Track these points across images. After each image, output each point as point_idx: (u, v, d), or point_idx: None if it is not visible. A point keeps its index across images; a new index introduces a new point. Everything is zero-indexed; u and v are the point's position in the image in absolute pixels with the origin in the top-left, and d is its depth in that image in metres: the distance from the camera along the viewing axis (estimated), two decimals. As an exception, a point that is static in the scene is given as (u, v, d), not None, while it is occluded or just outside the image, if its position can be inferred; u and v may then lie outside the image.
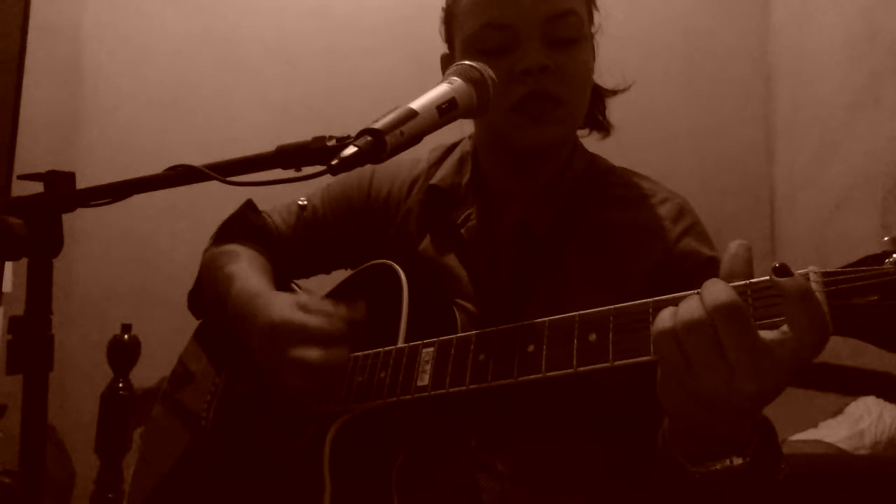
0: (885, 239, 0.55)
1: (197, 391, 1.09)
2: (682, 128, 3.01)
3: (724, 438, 0.64)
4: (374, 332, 0.88)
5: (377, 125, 0.70)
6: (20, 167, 2.45)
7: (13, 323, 0.73)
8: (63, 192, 0.75)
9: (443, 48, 1.06)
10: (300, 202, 1.11)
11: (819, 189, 2.80)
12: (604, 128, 1.08)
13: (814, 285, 0.57)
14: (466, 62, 0.80)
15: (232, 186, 0.74)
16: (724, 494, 0.65)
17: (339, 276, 1.09)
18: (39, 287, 0.74)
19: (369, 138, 0.69)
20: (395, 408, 0.82)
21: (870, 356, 2.52)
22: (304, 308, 0.82)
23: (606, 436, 0.84)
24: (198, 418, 1.06)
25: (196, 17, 2.79)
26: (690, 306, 0.59)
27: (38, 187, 0.76)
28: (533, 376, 0.71)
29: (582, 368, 0.67)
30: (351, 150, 0.68)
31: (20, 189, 0.81)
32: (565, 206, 0.96)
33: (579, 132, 1.07)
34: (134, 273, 2.68)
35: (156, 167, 0.78)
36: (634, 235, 0.93)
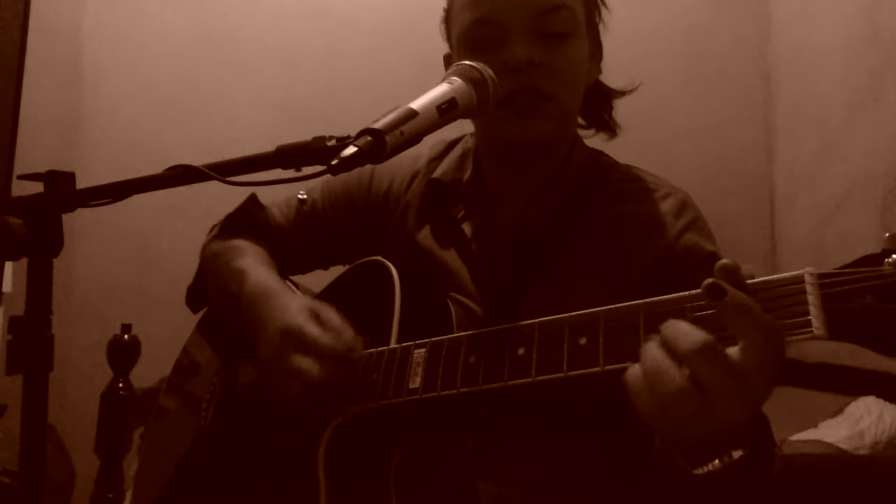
0: (887, 235, 0.54)
1: (202, 383, 1.09)
2: (682, 128, 3.01)
3: (720, 442, 0.64)
4: (367, 331, 0.88)
5: (377, 125, 0.70)
6: (20, 167, 2.45)
7: (13, 323, 0.73)
8: (63, 192, 0.75)
9: (443, 48, 1.06)
10: (300, 196, 1.11)
11: (819, 189, 2.80)
12: (610, 128, 1.07)
13: (809, 287, 0.56)
14: (466, 62, 0.80)
15: (232, 186, 0.74)
16: (725, 487, 0.65)
17: (336, 271, 1.08)
18: (39, 287, 0.74)
19: (369, 138, 0.69)
20: (389, 409, 0.82)
21: (870, 356, 2.51)
22: (318, 319, 0.82)
23: (603, 437, 0.84)
24: (199, 414, 1.06)
25: (196, 16, 2.79)
26: (656, 360, 0.59)
27: (38, 187, 0.76)
28: (523, 380, 0.70)
29: (572, 373, 0.66)
30: (351, 150, 0.68)
31: (20, 189, 0.81)
32: (565, 203, 0.96)
33: (584, 132, 1.07)
34: (134, 273, 2.68)
35: (156, 167, 0.78)
36: (635, 230, 0.93)
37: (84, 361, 2.44)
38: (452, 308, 0.88)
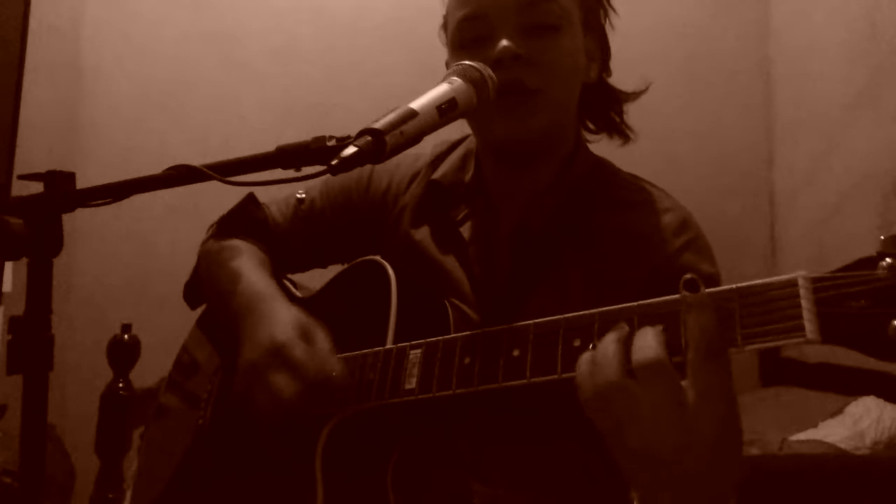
0: (882, 238, 0.53)
1: (202, 381, 1.09)
2: (682, 128, 3.01)
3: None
4: (364, 331, 0.88)
5: (377, 125, 0.69)
6: (20, 167, 2.45)
7: (13, 323, 0.73)
8: (63, 192, 0.75)
9: (443, 48, 1.06)
10: (298, 195, 1.10)
11: (819, 189, 2.80)
12: (621, 131, 1.04)
13: (802, 291, 0.55)
14: (466, 62, 0.80)
15: (232, 186, 0.73)
16: None
17: (335, 269, 1.08)
18: (39, 287, 0.74)
19: (369, 138, 0.69)
20: (386, 409, 0.82)
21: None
22: (306, 338, 0.83)
23: (597, 440, 0.84)
24: (198, 413, 1.06)
25: (196, 16, 2.79)
26: (607, 349, 0.60)
27: (38, 187, 0.76)
28: (517, 382, 0.70)
29: (566, 375, 0.66)
30: (351, 150, 0.68)
31: (20, 189, 0.81)
32: (565, 209, 0.95)
33: (593, 136, 1.05)
34: (134, 273, 2.68)
35: (156, 167, 0.78)
36: (634, 241, 0.91)
37: (84, 361, 2.44)
38: (450, 311, 0.88)
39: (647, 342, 0.58)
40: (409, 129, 0.71)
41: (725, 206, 2.99)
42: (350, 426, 0.85)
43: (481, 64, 0.80)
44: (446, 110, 0.74)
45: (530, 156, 0.95)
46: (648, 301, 0.64)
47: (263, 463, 0.92)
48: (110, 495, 1.58)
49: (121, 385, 1.62)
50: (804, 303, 0.55)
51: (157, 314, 2.56)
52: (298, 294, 1.09)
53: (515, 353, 0.71)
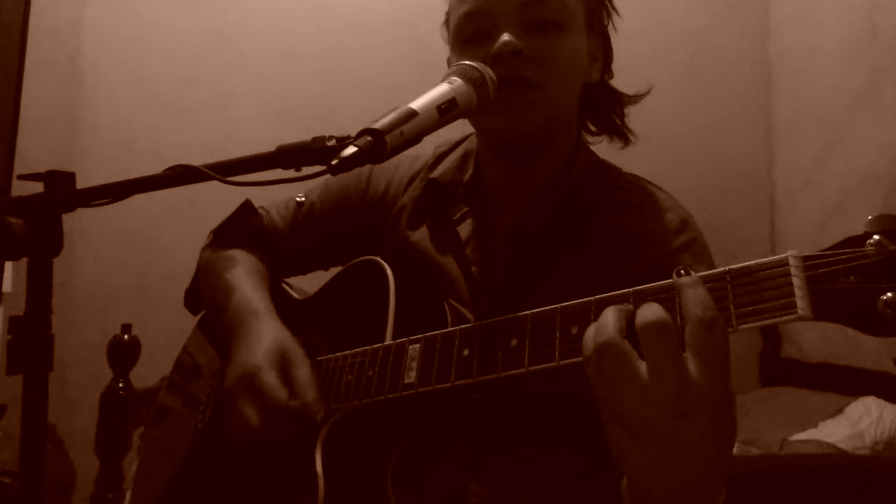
0: (869, 218, 0.55)
1: (202, 383, 1.09)
2: (682, 128, 3.01)
3: (673, 497, 0.63)
4: (363, 330, 0.88)
5: (377, 125, 0.69)
6: (20, 167, 2.46)
7: (13, 323, 0.73)
8: (63, 192, 0.75)
9: (443, 48, 1.06)
10: (298, 199, 1.11)
11: (819, 189, 2.80)
12: (622, 134, 1.04)
13: (793, 270, 0.56)
14: (466, 62, 0.80)
15: (232, 186, 0.73)
16: None
17: (335, 272, 1.08)
18: (39, 287, 0.74)
19: (369, 138, 0.69)
20: (385, 405, 0.82)
21: (870, 356, 2.52)
22: (283, 366, 0.84)
23: (595, 444, 0.84)
24: (198, 415, 1.06)
25: (196, 16, 2.79)
26: (607, 314, 0.61)
27: (38, 187, 0.76)
28: (516, 371, 0.70)
29: (564, 361, 0.66)
30: (351, 150, 0.68)
31: (20, 189, 0.81)
32: (563, 209, 0.94)
33: (593, 138, 1.05)
34: (134, 273, 2.68)
35: (156, 167, 0.78)
36: (633, 240, 0.91)
37: (84, 361, 2.44)
38: (448, 310, 0.88)
39: (652, 308, 0.59)
40: (409, 129, 0.71)
41: (725, 206, 3.00)
42: (350, 423, 0.85)
43: (481, 64, 0.80)
44: (446, 110, 0.74)
45: (529, 151, 0.95)
46: (643, 286, 0.64)
47: (263, 461, 0.92)
48: (110, 495, 1.58)
49: (121, 385, 1.62)
50: (795, 281, 0.56)
51: (157, 314, 2.56)
52: (296, 297, 1.09)
53: (513, 342, 0.71)
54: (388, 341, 0.84)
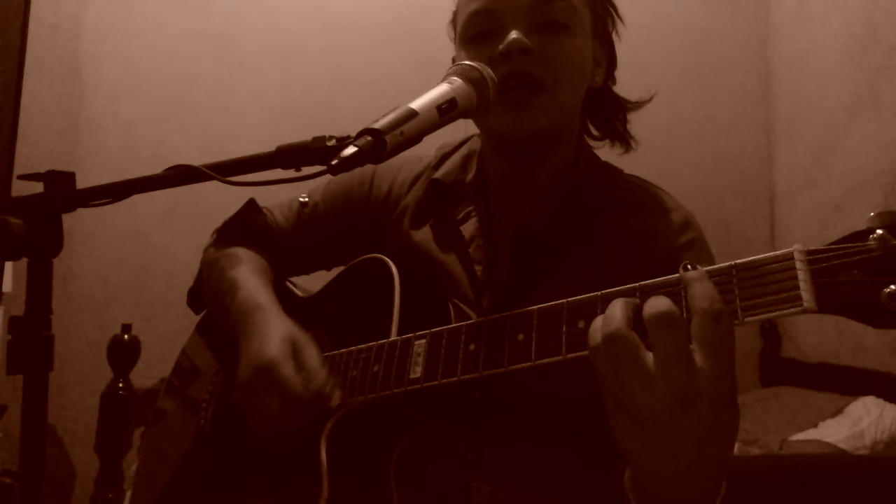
0: (871, 214, 0.56)
1: (202, 384, 1.10)
2: (682, 128, 3.01)
3: (675, 487, 0.63)
4: (368, 327, 0.88)
5: (377, 125, 0.69)
6: (20, 167, 2.46)
7: (13, 323, 0.73)
8: (63, 192, 0.75)
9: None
10: (301, 199, 1.11)
11: (819, 189, 2.80)
12: (624, 139, 1.05)
13: (798, 263, 0.57)
14: (466, 62, 0.80)
15: (232, 186, 0.73)
16: None
17: (337, 271, 1.09)
18: (39, 287, 0.74)
19: (369, 138, 0.69)
20: (390, 401, 0.82)
21: (870, 356, 2.52)
22: (296, 356, 0.85)
23: (597, 441, 0.84)
24: (199, 414, 1.06)
25: (196, 16, 2.79)
26: (614, 304, 0.61)
27: (38, 187, 0.76)
28: (523, 365, 0.70)
29: (571, 355, 0.67)
30: (351, 150, 0.68)
31: (20, 189, 0.81)
32: (566, 209, 0.95)
33: (595, 143, 1.06)
34: (134, 273, 2.68)
35: (156, 167, 0.78)
36: (635, 240, 0.91)
37: (84, 361, 2.45)
38: (452, 309, 0.88)
39: (660, 300, 0.59)
40: (409, 129, 0.71)
41: (725, 206, 3.00)
42: (355, 419, 0.85)
43: (481, 64, 0.81)
44: (446, 110, 0.74)
45: (533, 152, 0.96)
46: (649, 281, 0.65)
47: (267, 456, 0.92)
48: (110, 495, 1.58)
49: (121, 385, 1.62)
50: (800, 274, 0.57)
51: (157, 314, 2.57)
52: (300, 295, 1.09)
53: (520, 337, 0.71)
54: (393, 338, 0.85)
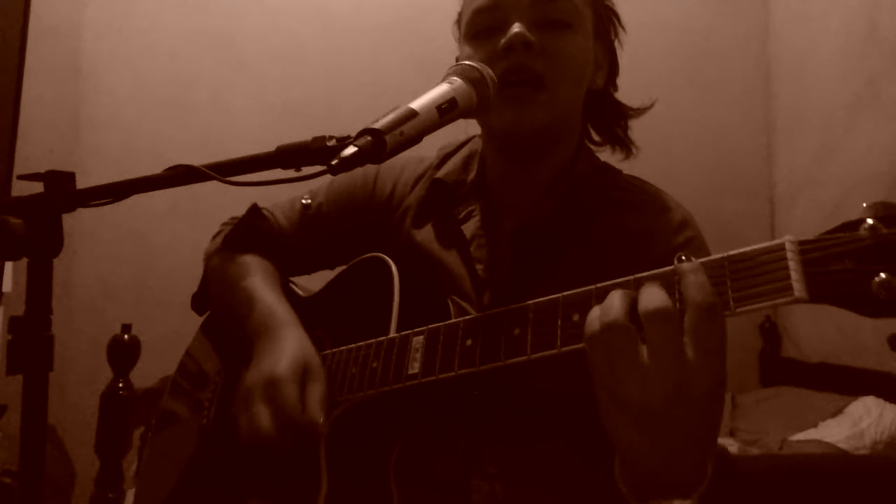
0: (864, 205, 0.56)
1: (205, 385, 1.10)
2: (682, 128, 3.01)
3: (664, 473, 0.64)
4: (367, 325, 0.88)
5: (377, 125, 0.70)
6: (20, 167, 2.46)
7: (13, 323, 0.73)
8: (63, 192, 0.75)
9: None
10: (304, 200, 1.11)
11: (819, 189, 2.80)
12: (625, 145, 1.06)
13: (790, 254, 0.57)
14: (466, 62, 0.81)
15: (232, 186, 0.73)
16: None
17: (338, 271, 1.09)
18: (39, 287, 0.73)
19: (369, 138, 0.69)
20: (389, 398, 0.82)
21: (870, 356, 2.52)
22: (304, 377, 0.84)
23: (596, 438, 0.84)
24: (202, 415, 1.07)
25: (196, 17, 2.80)
26: (612, 296, 0.62)
27: (38, 187, 0.76)
28: (519, 358, 0.71)
29: (566, 348, 0.67)
30: (351, 150, 0.68)
31: (20, 189, 0.81)
32: (566, 208, 0.96)
33: (595, 148, 1.06)
34: (134, 273, 2.68)
35: (156, 167, 0.78)
36: (634, 240, 0.92)
37: (84, 361, 2.44)
38: (452, 307, 0.89)
39: (655, 293, 0.60)
40: (409, 129, 0.71)
41: (725, 206, 3.00)
42: (354, 417, 0.85)
43: (481, 63, 0.81)
44: (446, 110, 0.75)
45: (534, 150, 0.96)
46: (644, 274, 0.66)
47: (266, 454, 0.92)
48: (110, 495, 1.58)
49: (121, 385, 1.61)
50: (791, 264, 0.57)
51: (157, 314, 2.57)
52: (302, 294, 1.10)
53: (516, 331, 0.72)
54: (392, 335, 0.85)
